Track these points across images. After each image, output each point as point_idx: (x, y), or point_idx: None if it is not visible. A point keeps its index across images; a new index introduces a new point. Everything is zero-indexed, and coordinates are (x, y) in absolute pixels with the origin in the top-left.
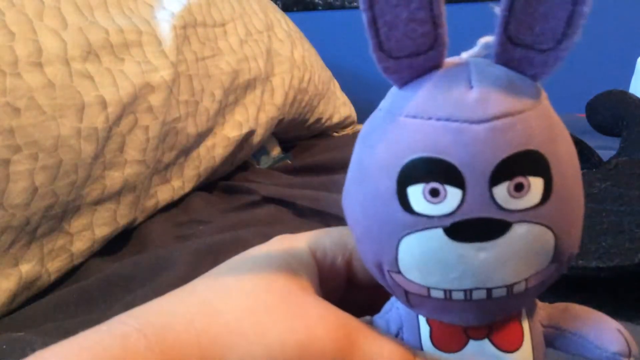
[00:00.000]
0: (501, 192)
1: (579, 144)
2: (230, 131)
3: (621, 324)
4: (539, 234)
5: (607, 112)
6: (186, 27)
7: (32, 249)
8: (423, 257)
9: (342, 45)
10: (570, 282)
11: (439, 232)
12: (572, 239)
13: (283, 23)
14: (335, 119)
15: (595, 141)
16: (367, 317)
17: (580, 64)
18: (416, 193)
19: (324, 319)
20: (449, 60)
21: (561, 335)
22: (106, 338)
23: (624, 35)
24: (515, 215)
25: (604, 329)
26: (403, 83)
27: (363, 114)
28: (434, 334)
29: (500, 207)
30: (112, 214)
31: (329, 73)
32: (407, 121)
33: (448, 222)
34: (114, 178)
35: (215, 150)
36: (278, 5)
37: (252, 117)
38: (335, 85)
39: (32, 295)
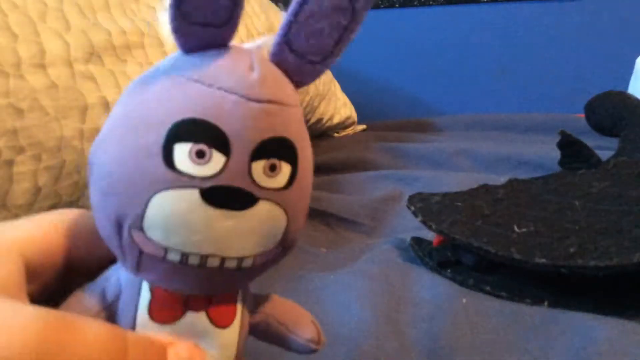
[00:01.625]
0: (258, 168)
1: (577, 144)
2: None
3: (621, 324)
4: (276, 215)
5: (605, 113)
6: None
7: None
8: (172, 215)
9: None
10: (570, 281)
11: (194, 193)
12: (299, 225)
13: None
14: (336, 120)
15: (594, 141)
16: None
17: (580, 64)
18: (182, 151)
19: (7, 324)
20: (233, 44)
21: (265, 322)
22: None
23: (623, 35)
24: (264, 193)
25: (300, 319)
26: (189, 49)
27: (363, 114)
28: (153, 303)
29: (254, 182)
30: None
31: (329, 74)
32: (188, 83)
33: (206, 184)
34: None
35: None
36: (279, 7)
37: None
38: (336, 86)
39: None
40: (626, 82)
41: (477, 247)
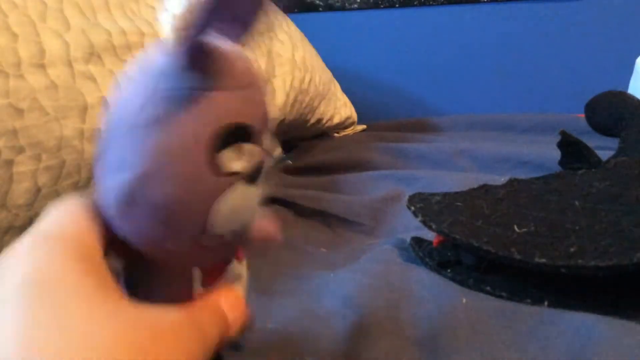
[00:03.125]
0: (267, 140)
1: (577, 144)
2: None
3: (621, 324)
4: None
5: (605, 113)
6: None
7: None
8: (233, 209)
9: (343, 46)
10: (570, 281)
11: (241, 183)
12: None
13: (284, 24)
14: (336, 120)
15: (594, 141)
16: None
17: (580, 64)
18: (226, 156)
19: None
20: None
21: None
22: None
23: (623, 35)
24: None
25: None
26: (188, 60)
27: (363, 114)
28: (204, 279)
29: (266, 152)
30: None
31: (329, 74)
32: (204, 94)
33: (250, 171)
34: None
35: None
36: (279, 7)
37: None
38: (336, 86)
39: None
40: (626, 82)
41: (477, 247)
